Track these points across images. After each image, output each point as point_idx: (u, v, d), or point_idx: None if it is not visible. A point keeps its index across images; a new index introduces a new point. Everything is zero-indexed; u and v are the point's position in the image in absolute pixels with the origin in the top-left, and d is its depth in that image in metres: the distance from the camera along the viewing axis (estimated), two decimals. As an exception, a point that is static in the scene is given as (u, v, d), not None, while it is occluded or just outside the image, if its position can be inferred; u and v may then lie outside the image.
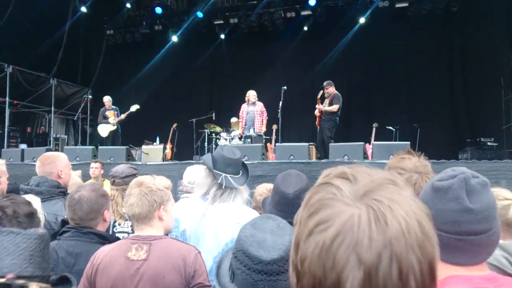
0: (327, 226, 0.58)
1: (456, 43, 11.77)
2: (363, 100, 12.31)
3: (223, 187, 2.34)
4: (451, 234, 1.09)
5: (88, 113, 13.76)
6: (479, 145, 9.70)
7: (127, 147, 8.64)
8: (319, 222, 0.59)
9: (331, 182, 0.64)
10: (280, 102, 9.08)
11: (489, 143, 9.64)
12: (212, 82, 14.10)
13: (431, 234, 0.60)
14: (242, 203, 2.37)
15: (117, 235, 2.87)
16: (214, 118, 11.03)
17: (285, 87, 9.18)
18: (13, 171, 7.75)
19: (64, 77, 13.29)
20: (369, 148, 7.55)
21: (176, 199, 4.28)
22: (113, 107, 10.18)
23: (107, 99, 10.14)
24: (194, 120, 10.89)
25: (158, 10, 13.02)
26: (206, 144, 10.26)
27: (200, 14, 12.84)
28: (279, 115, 9.10)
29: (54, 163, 3.02)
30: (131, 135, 11.47)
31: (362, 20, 11.90)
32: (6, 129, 11.42)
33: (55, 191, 2.84)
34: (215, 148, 9.47)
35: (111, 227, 2.87)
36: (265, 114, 9.43)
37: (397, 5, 11.49)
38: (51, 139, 12.73)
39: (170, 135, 10.83)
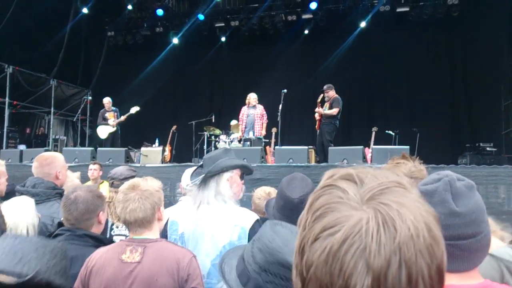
0: (334, 230, 0.56)
1: (457, 48, 11.79)
2: (363, 104, 12.32)
3: (200, 188, 2.32)
4: None
5: (88, 114, 13.76)
6: (478, 150, 9.68)
7: (126, 148, 8.63)
8: (326, 226, 0.57)
9: (336, 184, 0.62)
10: (280, 105, 9.08)
11: (488, 148, 9.63)
12: (212, 85, 14.10)
13: (439, 238, 0.59)
14: (230, 203, 2.31)
15: (114, 238, 2.85)
16: (213, 120, 11.03)
17: (285, 90, 9.18)
18: (11, 172, 7.75)
19: (64, 78, 13.29)
20: (368, 152, 7.55)
21: (175, 201, 4.28)
22: (113, 108, 10.18)
23: (107, 101, 10.14)
24: (193, 122, 10.88)
25: (159, 12, 13.03)
26: (205, 146, 10.24)
27: (201, 17, 12.85)
28: (278, 118, 9.10)
29: (53, 163, 3.00)
30: (131, 136, 11.46)
31: (363, 24, 11.93)
32: (5, 130, 11.41)
33: (52, 192, 2.82)
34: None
35: (108, 229, 2.85)
36: (265, 117, 9.43)
37: (398, 10, 11.51)
38: (50, 140, 12.73)
39: (170, 137, 10.82)
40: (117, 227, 2.98)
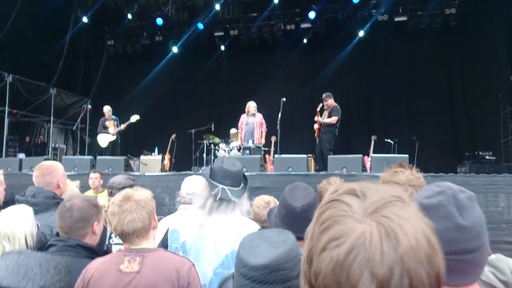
0: (340, 242, 0.60)
1: (455, 57, 11.85)
2: (362, 113, 12.35)
3: (219, 199, 2.31)
4: (447, 255, 1.03)
5: (87, 123, 13.76)
6: (478, 158, 9.71)
7: (126, 157, 8.62)
8: (332, 238, 0.61)
9: (341, 199, 0.66)
10: (279, 114, 9.10)
11: (487, 157, 9.65)
12: (211, 93, 14.14)
13: (437, 248, 0.63)
14: (240, 214, 2.34)
15: (113, 247, 2.84)
16: (213, 129, 11.04)
17: (284, 99, 9.21)
18: (10, 181, 7.73)
19: (64, 86, 13.32)
20: (367, 160, 7.56)
21: (175, 210, 4.27)
22: (113, 117, 10.20)
23: (107, 109, 10.16)
24: (193, 131, 10.89)
25: (159, 21, 13.10)
26: (204, 155, 10.25)
27: (200, 26, 12.93)
28: (278, 127, 9.11)
29: (54, 173, 2.99)
30: (130, 145, 11.47)
31: (361, 33, 12.00)
32: (4, 138, 11.41)
33: (51, 202, 2.80)
34: (214, 159, 9.49)
35: (107, 238, 2.84)
36: (264, 125, 9.43)
37: (396, 19, 11.58)
38: (50, 148, 12.73)
39: (169, 146, 10.82)
40: (116, 236, 2.97)
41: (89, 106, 12.75)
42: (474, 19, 11.08)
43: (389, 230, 0.59)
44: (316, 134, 9.06)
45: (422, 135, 10.46)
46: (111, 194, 3.13)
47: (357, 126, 12.04)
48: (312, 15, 12.01)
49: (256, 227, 2.31)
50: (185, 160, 11.21)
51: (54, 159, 11.57)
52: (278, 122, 9.08)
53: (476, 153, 9.93)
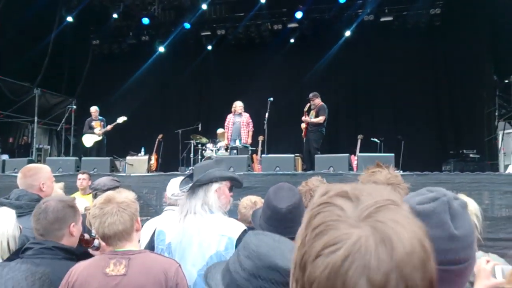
0: (335, 248, 0.59)
1: (440, 57, 12.00)
2: (349, 112, 12.44)
3: (188, 197, 2.32)
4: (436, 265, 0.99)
5: (72, 123, 13.60)
6: (462, 157, 9.84)
7: (111, 158, 8.54)
8: (327, 244, 0.60)
9: (333, 202, 0.64)
10: (267, 114, 9.11)
11: (471, 155, 9.79)
12: (198, 93, 14.08)
13: (430, 252, 0.63)
14: (218, 212, 2.31)
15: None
16: (200, 129, 11.00)
17: (271, 99, 9.22)
18: (-7, 182, 7.61)
19: (48, 86, 13.14)
20: (354, 159, 7.60)
21: (161, 210, 4.24)
22: (100, 117, 10.12)
23: (94, 109, 10.08)
24: (180, 131, 10.84)
25: (145, 20, 13.00)
26: (192, 155, 10.20)
27: (187, 25, 12.87)
28: (265, 127, 9.12)
29: (36, 175, 2.96)
30: (116, 145, 11.35)
31: (348, 33, 12.08)
32: (-13, 139, 11.23)
33: (35, 205, 2.77)
34: (201, 159, 9.46)
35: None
36: (251, 125, 9.43)
37: (382, 19, 11.69)
38: (34, 149, 12.54)
39: (156, 146, 10.74)
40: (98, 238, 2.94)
41: (74, 107, 12.60)
42: (458, 19, 11.24)
43: (384, 236, 0.59)
44: (303, 134, 9.09)
45: (408, 134, 10.56)
46: (95, 196, 3.10)
47: (343, 125, 12.12)
48: (299, 15, 12.05)
49: (242, 227, 2.30)
50: (172, 161, 11.14)
51: (38, 160, 11.42)
52: (266, 122, 9.10)
53: (460, 151, 10.07)
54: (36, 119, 12.50)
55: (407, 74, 11.96)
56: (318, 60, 12.38)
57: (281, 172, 6.76)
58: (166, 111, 13.70)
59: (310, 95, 8.90)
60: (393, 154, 6.93)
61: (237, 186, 2.50)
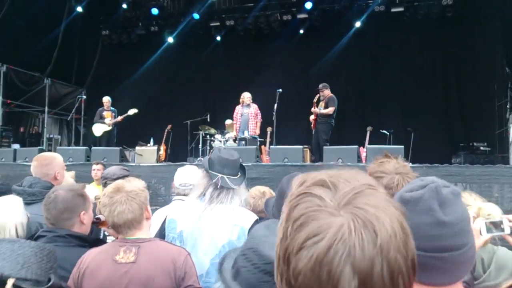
0: (318, 239, 0.59)
1: (451, 48, 11.85)
2: (358, 104, 12.36)
3: (219, 188, 2.32)
4: (423, 252, 0.95)
5: (82, 113, 13.70)
6: (472, 149, 9.77)
7: (121, 148, 8.60)
8: (309, 235, 0.59)
9: (311, 191, 0.64)
10: (275, 105, 9.09)
11: (482, 148, 9.71)
12: (207, 84, 14.08)
13: (409, 232, 0.63)
14: (239, 204, 2.35)
15: (108, 238, 2.85)
16: (209, 120, 11.02)
17: (280, 90, 9.19)
18: (5, 171, 7.72)
19: (58, 77, 13.22)
20: (363, 151, 7.57)
21: (170, 200, 4.27)
22: (112, 108, 10.19)
23: (106, 100, 10.15)
24: (188, 121, 10.87)
25: (155, 11, 12.99)
26: (200, 146, 10.24)
27: (196, 16, 12.83)
28: (274, 118, 9.11)
29: (51, 164, 3.01)
30: (125, 136, 11.42)
31: (358, 24, 11.95)
32: (-1, 129, 11.36)
33: (48, 192, 2.81)
34: (209, 150, 9.49)
35: (102, 230, 2.84)
36: (259, 116, 9.43)
37: (393, 10, 11.54)
38: (44, 139, 12.67)
39: (164, 137, 10.80)
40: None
41: (84, 97, 12.67)
42: (470, 11, 11.07)
43: (366, 222, 0.59)
44: (312, 125, 9.07)
45: (418, 126, 10.49)
46: (105, 185, 3.13)
47: (352, 117, 12.04)
48: (308, 5, 11.94)
49: (253, 217, 2.31)
50: (180, 151, 11.19)
51: (49, 150, 11.53)
52: (274, 113, 9.08)
53: (470, 144, 9.99)
54: (46, 109, 12.61)
55: (417, 66, 11.85)
56: (327, 51, 12.29)
57: (289, 163, 6.75)
58: (174, 102, 13.73)
59: (320, 86, 8.86)
60: (402, 146, 6.88)
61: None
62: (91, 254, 1.97)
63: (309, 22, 12.37)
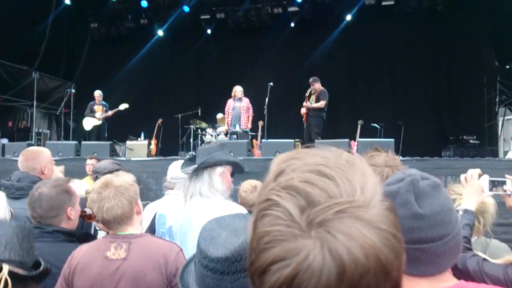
0: (283, 265, 0.53)
1: (441, 42, 11.89)
2: (349, 97, 12.40)
3: (190, 178, 2.30)
4: (406, 244, 0.97)
5: (71, 107, 13.55)
6: (462, 142, 9.86)
7: (111, 142, 8.54)
8: (274, 260, 0.54)
9: (279, 202, 0.56)
10: (267, 98, 9.08)
11: (471, 141, 9.81)
12: (198, 77, 14.01)
13: (390, 265, 0.55)
14: (223, 196, 2.30)
15: (99, 233, 2.83)
16: (200, 114, 10.97)
17: (271, 84, 9.18)
18: (-7, 166, 7.62)
19: (47, 70, 13.05)
20: (354, 145, 7.60)
21: (161, 195, 4.25)
22: (103, 102, 10.11)
23: (98, 94, 10.06)
24: (179, 115, 10.81)
25: (144, 3, 12.84)
26: (191, 140, 10.20)
27: (186, 9, 12.72)
28: (265, 111, 9.10)
29: (38, 158, 2.98)
30: (116, 130, 11.33)
31: (348, 17, 11.96)
32: (-14, 123, 11.20)
33: (34, 187, 2.78)
34: (200, 144, 9.46)
35: (92, 225, 2.81)
36: (251, 110, 9.41)
37: (384, 3, 11.56)
38: (33, 133, 12.52)
39: (155, 131, 10.74)
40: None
41: (73, 91, 12.54)
42: (460, 4, 11.12)
43: (335, 254, 0.52)
44: (304, 119, 9.08)
45: (408, 119, 10.55)
46: (96, 179, 3.11)
47: (343, 110, 12.08)
48: (299, -2, 11.92)
49: (242, 210, 2.30)
50: (171, 145, 11.14)
51: (38, 144, 11.40)
52: (265, 107, 9.07)
53: (460, 137, 10.09)
54: (35, 103, 12.44)
55: (408, 59, 11.90)
56: (318, 45, 12.29)
57: (281, 157, 6.74)
58: (165, 96, 13.64)
59: (310, 79, 8.87)
60: (393, 140, 6.92)
61: (238, 172, 2.48)
62: (82, 250, 1.95)
63: (300, 15, 12.35)
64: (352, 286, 0.52)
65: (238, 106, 9.30)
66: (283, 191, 0.57)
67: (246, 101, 9.37)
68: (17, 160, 3.06)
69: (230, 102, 9.47)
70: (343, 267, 0.52)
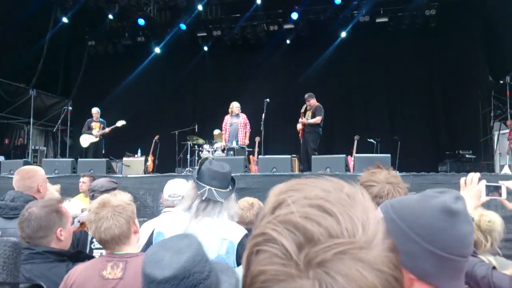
0: None
1: (435, 57, 12.05)
2: (345, 113, 12.46)
3: (206, 200, 2.26)
4: (463, 258, 1.02)
5: (68, 124, 13.52)
6: (458, 157, 9.89)
7: (108, 159, 8.52)
8: None
9: (275, 237, 0.53)
10: (263, 114, 9.11)
11: (467, 156, 9.84)
12: (195, 94, 14.08)
13: None
14: (227, 217, 2.30)
15: (94, 251, 2.80)
16: (197, 130, 10.99)
17: (268, 100, 9.22)
18: (-12, 184, 7.56)
19: (44, 87, 13.09)
20: (350, 160, 7.61)
21: (158, 212, 4.22)
22: (101, 120, 10.10)
23: (95, 111, 10.07)
24: (176, 132, 10.82)
25: (141, 21, 12.96)
26: (188, 156, 10.19)
27: (183, 26, 12.85)
28: (262, 127, 9.12)
29: (34, 177, 2.96)
30: (113, 146, 11.33)
31: (343, 34, 12.11)
32: (-17, 141, 11.16)
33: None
34: (198, 161, 9.45)
35: (88, 243, 2.79)
36: (248, 126, 9.44)
37: (378, 20, 11.71)
38: (30, 151, 12.48)
39: (152, 147, 10.73)
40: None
41: (70, 108, 12.54)
42: (453, 21, 11.29)
43: None
44: (300, 135, 9.10)
45: (404, 134, 10.61)
46: (92, 198, 3.09)
47: (340, 126, 12.14)
48: (294, 16, 12.06)
49: (243, 231, 2.27)
50: (168, 162, 11.13)
51: (34, 162, 11.36)
52: (262, 123, 9.09)
53: (456, 152, 10.12)
54: (32, 120, 12.43)
55: (402, 75, 12.01)
56: (314, 61, 12.40)
57: (278, 173, 6.75)
58: (162, 112, 13.68)
59: (306, 95, 8.92)
60: (389, 155, 6.96)
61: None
62: (78, 270, 1.93)
63: (295, 33, 12.50)
64: None
65: (236, 122, 9.33)
66: (280, 226, 0.54)
67: (243, 116, 9.40)
68: (12, 178, 3.04)
69: (227, 118, 9.50)
70: None
